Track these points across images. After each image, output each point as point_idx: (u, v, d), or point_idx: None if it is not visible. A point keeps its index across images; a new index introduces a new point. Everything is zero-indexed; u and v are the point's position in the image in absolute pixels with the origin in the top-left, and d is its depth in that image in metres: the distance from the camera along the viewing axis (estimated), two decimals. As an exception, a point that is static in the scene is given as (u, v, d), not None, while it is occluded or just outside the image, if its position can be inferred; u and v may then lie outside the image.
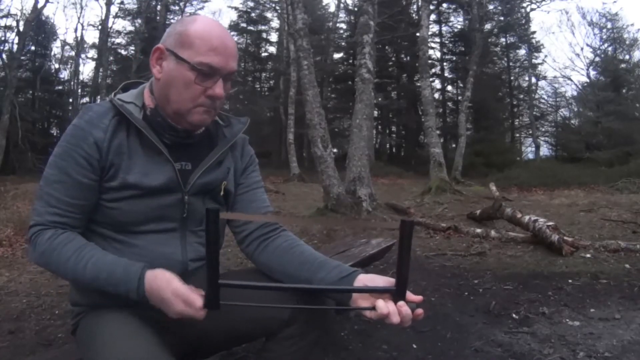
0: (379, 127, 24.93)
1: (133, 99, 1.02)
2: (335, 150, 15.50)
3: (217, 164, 1.06)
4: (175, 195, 1.01)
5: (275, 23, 24.42)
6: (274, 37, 25.65)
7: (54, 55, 23.11)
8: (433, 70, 21.67)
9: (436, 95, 22.06)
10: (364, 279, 0.94)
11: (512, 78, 23.02)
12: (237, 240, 1.16)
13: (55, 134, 21.86)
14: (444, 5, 21.91)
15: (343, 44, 23.87)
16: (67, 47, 23.69)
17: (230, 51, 0.96)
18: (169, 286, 0.87)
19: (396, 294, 0.84)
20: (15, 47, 17.16)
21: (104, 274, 0.90)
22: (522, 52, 22.90)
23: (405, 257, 0.78)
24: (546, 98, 24.32)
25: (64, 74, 24.35)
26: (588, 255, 3.46)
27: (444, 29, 23.23)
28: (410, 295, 0.86)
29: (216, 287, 0.81)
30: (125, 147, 0.97)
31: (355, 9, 20.80)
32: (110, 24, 21.38)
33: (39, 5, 16.58)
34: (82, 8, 28.38)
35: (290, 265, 1.04)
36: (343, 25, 24.77)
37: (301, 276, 1.01)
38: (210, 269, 0.79)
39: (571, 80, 37.36)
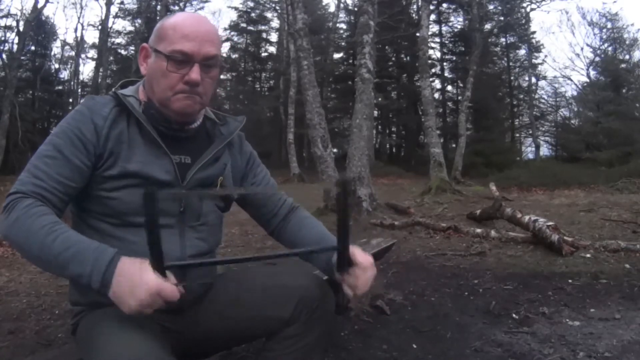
0: (379, 127, 24.94)
1: (132, 93, 1.05)
2: (335, 150, 15.50)
3: (214, 160, 1.08)
4: (173, 189, 1.02)
5: (275, 23, 24.47)
6: (274, 37, 25.71)
7: (54, 55, 23.16)
8: (433, 70, 21.67)
9: (436, 95, 22.07)
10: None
11: (512, 78, 23.03)
12: (261, 225, 1.24)
13: (55, 134, 21.82)
14: (444, 5, 21.93)
15: (343, 44, 23.88)
16: (67, 47, 23.74)
17: (203, 36, 0.97)
18: (142, 273, 0.81)
19: (339, 251, 0.92)
20: (15, 47, 17.19)
21: (74, 248, 0.83)
22: (522, 52, 22.94)
23: (343, 215, 0.88)
24: (546, 98, 24.38)
25: (64, 74, 24.41)
26: (588, 255, 3.45)
27: (444, 29, 23.27)
28: (357, 256, 0.95)
29: (162, 270, 0.81)
30: (126, 136, 0.99)
31: (355, 9, 20.80)
32: (110, 24, 21.42)
33: (39, 5, 16.62)
34: (82, 8, 28.42)
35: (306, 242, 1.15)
36: (343, 25, 24.81)
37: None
38: (153, 252, 0.79)
39: (571, 80, 37.49)
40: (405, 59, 23.55)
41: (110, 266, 0.82)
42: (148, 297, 0.79)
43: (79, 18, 42.77)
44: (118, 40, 22.47)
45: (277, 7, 19.48)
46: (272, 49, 26.00)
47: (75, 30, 49.02)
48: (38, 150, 0.96)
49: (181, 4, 22.01)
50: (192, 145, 1.06)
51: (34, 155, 0.96)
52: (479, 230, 4.42)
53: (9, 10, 18.15)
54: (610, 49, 21.37)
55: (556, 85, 23.90)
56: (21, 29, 16.88)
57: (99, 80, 20.49)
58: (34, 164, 0.94)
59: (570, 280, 2.91)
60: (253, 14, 24.26)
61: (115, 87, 1.07)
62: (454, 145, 17.94)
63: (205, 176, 1.05)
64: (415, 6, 20.15)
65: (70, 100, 23.07)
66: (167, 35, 0.97)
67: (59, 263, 0.83)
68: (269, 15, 24.08)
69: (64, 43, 23.85)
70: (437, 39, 23.03)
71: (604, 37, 21.54)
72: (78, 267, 0.82)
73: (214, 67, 1.01)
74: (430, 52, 20.17)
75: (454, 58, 23.39)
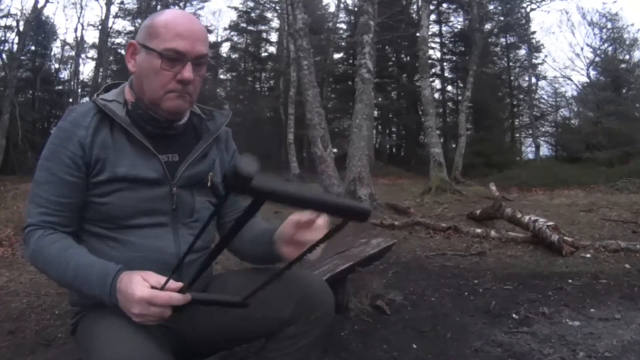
0: (379, 127, 24.89)
1: (115, 97, 1.05)
2: (335, 150, 15.47)
3: (202, 156, 1.08)
4: (164, 188, 1.02)
5: (275, 23, 24.43)
6: (274, 37, 25.66)
7: (54, 55, 23.08)
8: (433, 70, 21.63)
9: (436, 95, 22.03)
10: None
11: (512, 78, 22.99)
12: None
13: (55, 134, 21.81)
14: (444, 5, 21.90)
15: (343, 44, 23.84)
16: (67, 47, 23.70)
17: (196, 35, 0.98)
18: (129, 285, 0.84)
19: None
20: (15, 47, 17.18)
21: (82, 274, 0.91)
22: (522, 52, 22.88)
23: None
24: (546, 98, 24.31)
25: (64, 74, 24.33)
26: (588, 255, 3.46)
27: (444, 29, 23.22)
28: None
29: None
30: (110, 142, 0.99)
31: (355, 9, 20.77)
32: (110, 24, 21.44)
33: (39, 5, 16.62)
34: (82, 8, 28.34)
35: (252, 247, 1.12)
36: (343, 25, 24.76)
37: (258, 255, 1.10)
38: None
39: (571, 80, 37.39)
40: (405, 59, 23.52)
41: (112, 287, 0.88)
42: (138, 308, 0.83)
43: (79, 18, 42.73)
44: (118, 40, 22.42)
45: (277, 7, 19.48)
46: (272, 49, 25.98)
47: (75, 30, 48.95)
48: (34, 177, 1.00)
49: (181, 4, 22.01)
50: (180, 142, 1.06)
51: (33, 183, 1.00)
52: (479, 230, 4.42)
53: (9, 10, 18.16)
54: (610, 49, 21.33)
55: (556, 85, 23.85)
56: (21, 29, 16.89)
57: (99, 80, 20.47)
58: (34, 192, 0.99)
59: (570, 280, 2.91)
60: (253, 14, 24.21)
61: (98, 92, 1.08)
62: (454, 145, 17.90)
63: (194, 173, 1.06)
64: (415, 6, 20.17)
65: (70, 100, 23.03)
66: (159, 33, 0.97)
67: (76, 288, 0.94)
68: (269, 15, 24.06)
69: (64, 43, 23.82)
70: (437, 39, 23.02)
71: (604, 37, 21.51)
72: (90, 290, 0.91)
73: (204, 66, 1.02)
74: (430, 52, 20.16)
75: (454, 58, 23.35)
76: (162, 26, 0.97)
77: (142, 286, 0.83)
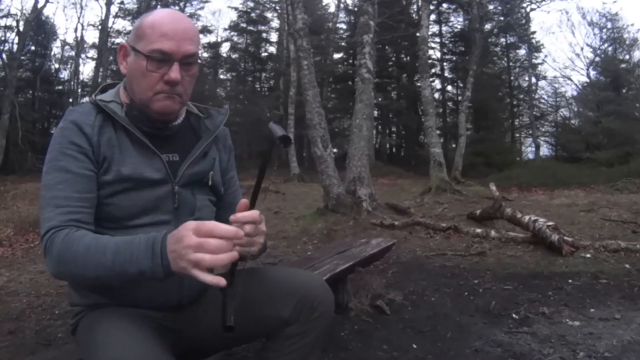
0: (379, 127, 24.91)
1: (113, 97, 1.05)
2: (335, 150, 15.50)
3: (202, 155, 1.08)
4: (166, 187, 1.02)
5: (275, 23, 24.42)
6: (274, 37, 25.67)
7: (54, 55, 23.13)
8: (433, 70, 21.63)
9: (436, 95, 22.03)
10: None
11: (512, 78, 22.99)
12: None
13: (55, 134, 21.85)
14: (444, 5, 21.89)
15: (343, 44, 23.84)
16: (67, 47, 23.71)
17: (182, 35, 0.97)
18: (179, 229, 0.80)
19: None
20: (15, 47, 17.19)
21: (125, 250, 0.83)
22: (522, 52, 22.88)
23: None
24: (546, 98, 24.32)
25: (64, 74, 24.36)
26: (588, 255, 3.45)
27: (444, 29, 23.22)
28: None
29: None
30: (115, 140, 0.99)
31: (355, 9, 20.76)
32: (110, 24, 21.45)
33: (39, 5, 16.62)
34: (82, 8, 28.45)
35: None
36: (343, 25, 24.77)
37: None
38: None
39: (571, 80, 37.46)
40: (405, 59, 23.52)
41: (163, 246, 0.81)
42: (195, 240, 0.76)
43: (79, 18, 42.77)
44: (118, 40, 22.36)
45: (277, 7, 19.45)
46: (272, 49, 25.97)
47: (75, 30, 48.91)
48: (45, 182, 0.94)
49: (181, 4, 22.00)
50: (179, 142, 1.07)
51: (44, 188, 0.94)
52: (479, 230, 4.42)
53: (9, 10, 18.17)
54: (610, 49, 21.34)
55: (556, 85, 23.88)
56: (21, 29, 16.90)
57: (99, 80, 20.46)
58: (50, 196, 0.93)
59: (570, 280, 2.91)
60: (253, 14, 24.20)
61: (95, 92, 1.07)
62: (454, 145, 17.91)
63: (195, 172, 1.06)
64: (415, 6, 20.14)
65: (70, 100, 23.05)
66: (145, 34, 0.97)
67: (117, 271, 0.83)
68: (269, 15, 24.05)
69: (64, 43, 23.84)
70: (437, 39, 23.01)
71: (604, 37, 21.52)
72: (136, 265, 0.82)
73: (194, 65, 1.01)
74: (430, 52, 20.17)
75: (454, 58, 23.34)
76: (148, 27, 0.97)
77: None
